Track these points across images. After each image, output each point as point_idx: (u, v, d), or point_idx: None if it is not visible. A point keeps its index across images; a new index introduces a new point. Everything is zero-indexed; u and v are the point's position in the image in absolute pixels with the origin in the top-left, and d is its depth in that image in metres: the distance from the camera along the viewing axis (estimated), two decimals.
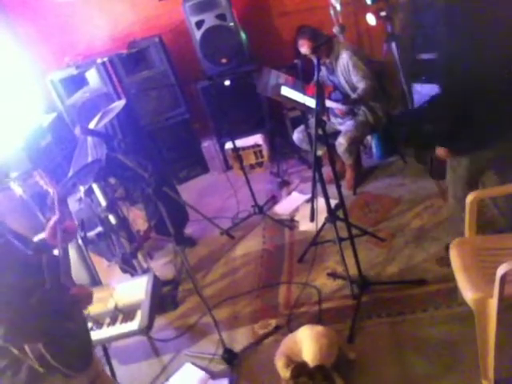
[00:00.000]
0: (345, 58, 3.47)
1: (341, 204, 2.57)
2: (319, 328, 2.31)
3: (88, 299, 1.75)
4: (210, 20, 4.14)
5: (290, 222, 3.61)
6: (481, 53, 1.97)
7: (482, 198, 2.21)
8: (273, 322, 2.75)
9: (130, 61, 4.34)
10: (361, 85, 3.46)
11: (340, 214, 2.67)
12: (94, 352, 1.86)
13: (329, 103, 3.55)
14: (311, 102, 2.57)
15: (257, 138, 4.47)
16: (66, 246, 1.76)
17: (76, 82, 4.37)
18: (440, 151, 2.36)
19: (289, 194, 4.02)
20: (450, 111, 2.15)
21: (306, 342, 2.24)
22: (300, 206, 3.77)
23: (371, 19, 4.02)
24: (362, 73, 3.44)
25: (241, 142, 4.36)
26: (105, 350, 2.59)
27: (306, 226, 3.46)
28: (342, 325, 2.56)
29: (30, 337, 1.51)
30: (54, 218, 1.79)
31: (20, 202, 3.13)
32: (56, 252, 1.75)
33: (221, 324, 2.73)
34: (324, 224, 3.10)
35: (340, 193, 2.52)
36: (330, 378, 2.23)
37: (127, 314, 2.35)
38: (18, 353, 1.51)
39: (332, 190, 2.58)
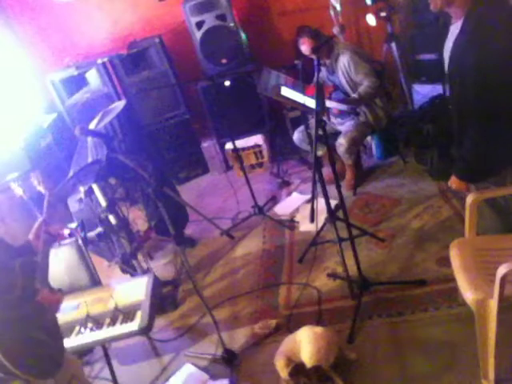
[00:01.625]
0: (345, 58, 3.46)
1: (341, 204, 2.57)
2: (318, 329, 2.30)
3: (56, 306, 1.72)
4: (210, 20, 4.15)
5: (290, 223, 3.61)
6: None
7: (483, 199, 2.20)
8: (273, 323, 2.75)
9: (130, 61, 4.34)
10: (365, 82, 3.45)
11: (340, 214, 2.67)
12: (67, 356, 1.84)
13: (329, 103, 3.55)
14: (311, 103, 2.57)
15: (257, 139, 4.48)
16: (47, 250, 1.76)
17: (76, 82, 4.37)
18: (458, 184, 2.15)
19: (289, 194, 4.02)
20: (485, 132, 1.94)
21: (305, 343, 2.24)
22: (300, 207, 3.77)
23: (371, 19, 4.03)
24: (365, 70, 3.43)
25: (241, 143, 4.36)
26: (105, 350, 2.59)
27: (306, 226, 3.46)
28: (342, 325, 2.56)
29: None
30: (40, 220, 1.80)
31: (20, 202, 3.13)
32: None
33: (221, 324, 2.73)
34: (324, 224, 3.10)
35: (340, 193, 2.51)
36: (328, 378, 2.24)
37: (127, 314, 2.34)
38: None
39: (332, 190, 2.58)
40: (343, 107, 3.53)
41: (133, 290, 2.47)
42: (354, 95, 3.48)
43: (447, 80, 2.06)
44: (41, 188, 1.91)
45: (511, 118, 1.91)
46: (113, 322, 2.33)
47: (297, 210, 3.76)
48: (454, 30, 1.98)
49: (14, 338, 1.53)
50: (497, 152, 1.99)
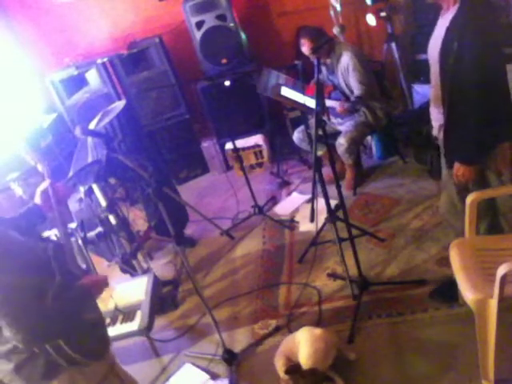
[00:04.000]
0: (346, 59, 3.46)
1: (341, 204, 2.57)
2: (317, 331, 2.29)
3: (101, 286, 1.70)
4: (210, 20, 4.14)
5: (290, 223, 3.61)
6: (499, 49, 1.96)
7: (483, 198, 2.20)
8: (273, 323, 2.75)
9: (130, 61, 4.34)
10: (356, 90, 3.47)
11: (340, 214, 2.67)
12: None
13: (329, 102, 3.55)
14: (311, 103, 2.57)
15: (257, 139, 4.48)
16: (64, 220, 1.74)
17: (76, 82, 4.37)
18: (465, 171, 2.08)
19: (289, 194, 4.02)
20: (489, 117, 1.96)
21: (303, 345, 2.24)
22: (300, 207, 3.77)
23: (371, 19, 4.03)
24: (359, 76, 3.44)
25: (241, 143, 4.36)
26: None
27: (306, 226, 3.46)
28: (342, 325, 2.57)
29: (51, 338, 1.49)
30: (45, 183, 1.79)
31: (20, 202, 3.14)
32: (54, 234, 1.73)
33: (221, 324, 2.72)
34: (324, 224, 3.10)
35: (340, 193, 2.52)
36: (324, 379, 2.24)
37: (127, 314, 2.35)
38: (36, 349, 1.51)
39: (332, 190, 2.58)
40: (344, 105, 3.52)
41: (133, 290, 2.47)
42: (352, 99, 3.50)
43: (437, 71, 2.07)
44: (38, 165, 1.89)
45: (506, 89, 1.97)
46: (113, 322, 2.33)
47: (297, 210, 3.76)
48: (443, 21, 2.03)
49: (70, 326, 1.53)
50: (495, 125, 1.99)
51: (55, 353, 1.51)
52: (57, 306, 1.47)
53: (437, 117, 2.21)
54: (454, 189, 2.26)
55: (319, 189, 2.57)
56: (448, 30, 1.97)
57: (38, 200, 1.80)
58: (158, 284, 2.60)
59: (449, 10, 2.01)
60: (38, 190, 1.80)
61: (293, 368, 2.25)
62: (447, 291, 2.43)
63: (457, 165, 2.11)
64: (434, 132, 2.30)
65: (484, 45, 1.89)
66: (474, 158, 2.08)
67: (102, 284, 1.71)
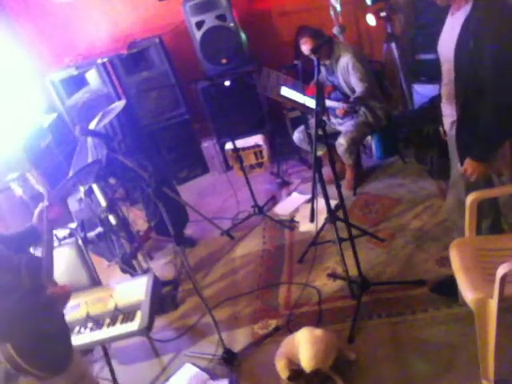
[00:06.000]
0: (345, 60, 3.46)
1: (341, 204, 2.57)
2: (317, 332, 2.29)
3: (65, 298, 1.73)
4: (210, 20, 4.14)
5: (290, 223, 3.61)
6: None
7: (483, 198, 2.20)
8: (273, 323, 2.75)
9: (130, 61, 4.34)
10: (358, 88, 3.47)
11: (340, 214, 2.67)
12: (75, 354, 1.85)
13: (329, 103, 3.55)
14: (311, 103, 2.57)
15: (257, 139, 4.47)
16: (50, 245, 1.78)
17: (76, 82, 4.37)
18: (477, 168, 2.08)
19: (289, 194, 4.02)
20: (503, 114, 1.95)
21: (303, 347, 2.23)
22: (300, 207, 3.77)
23: (371, 19, 4.03)
24: (359, 75, 3.44)
25: (241, 143, 4.36)
26: (105, 350, 2.59)
27: (306, 226, 3.46)
28: (342, 325, 2.57)
29: None
30: (43, 204, 1.84)
31: (20, 202, 3.14)
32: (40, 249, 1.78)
33: (221, 324, 2.73)
34: (324, 224, 3.10)
35: (340, 193, 2.52)
36: (328, 380, 2.24)
37: (127, 314, 2.34)
38: None
39: (332, 190, 2.58)
40: (343, 105, 3.52)
41: (133, 290, 2.47)
42: (353, 98, 3.49)
43: (451, 69, 2.05)
44: (39, 187, 1.93)
45: None
46: (113, 322, 2.33)
47: (297, 210, 3.75)
48: (455, 20, 2.01)
49: (23, 332, 1.54)
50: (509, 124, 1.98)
51: (8, 362, 1.52)
52: (17, 309, 1.50)
53: (450, 113, 2.20)
54: (464, 188, 2.25)
55: (319, 189, 2.57)
56: (463, 29, 1.95)
57: (35, 220, 1.85)
58: (157, 284, 2.59)
59: (460, 10, 1.99)
60: (36, 211, 1.86)
61: (295, 374, 2.25)
62: (447, 288, 2.43)
63: (468, 161, 2.10)
64: (446, 128, 2.28)
65: (502, 44, 1.86)
66: (487, 154, 2.08)
67: (67, 296, 1.74)
